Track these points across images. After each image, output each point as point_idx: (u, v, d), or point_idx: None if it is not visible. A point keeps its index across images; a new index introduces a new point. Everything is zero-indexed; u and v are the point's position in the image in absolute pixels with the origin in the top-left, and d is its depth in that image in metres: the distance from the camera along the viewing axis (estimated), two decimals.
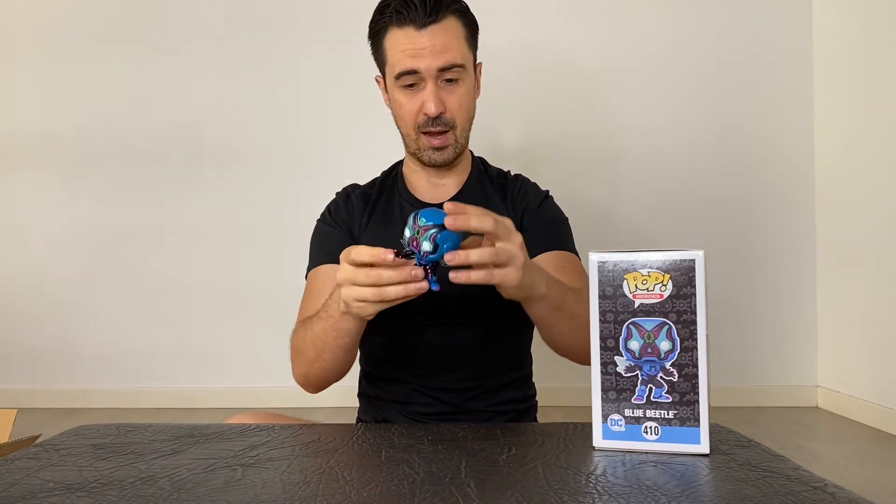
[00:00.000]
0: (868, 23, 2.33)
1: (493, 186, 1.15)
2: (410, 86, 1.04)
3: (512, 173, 1.20)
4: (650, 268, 0.58)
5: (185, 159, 2.68)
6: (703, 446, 0.56)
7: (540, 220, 1.10)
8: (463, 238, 0.73)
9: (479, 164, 1.18)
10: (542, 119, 2.60)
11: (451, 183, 1.14)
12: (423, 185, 1.14)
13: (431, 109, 1.02)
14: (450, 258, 0.70)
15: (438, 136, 1.05)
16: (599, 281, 0.59)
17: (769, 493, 0.48)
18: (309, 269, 1.15)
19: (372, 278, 0.73)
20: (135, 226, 2.68)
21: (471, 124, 1.10)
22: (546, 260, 1.04)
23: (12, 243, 2.71)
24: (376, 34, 1.07)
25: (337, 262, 1.05)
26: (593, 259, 0.59)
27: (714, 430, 0.60)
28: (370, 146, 2.61)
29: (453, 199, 1.12)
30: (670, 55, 2.60)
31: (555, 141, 2.61)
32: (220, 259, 2.67)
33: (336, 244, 1.09)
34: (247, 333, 2.66)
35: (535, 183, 1.18)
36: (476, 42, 1.10)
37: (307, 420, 0.85)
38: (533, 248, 1.04)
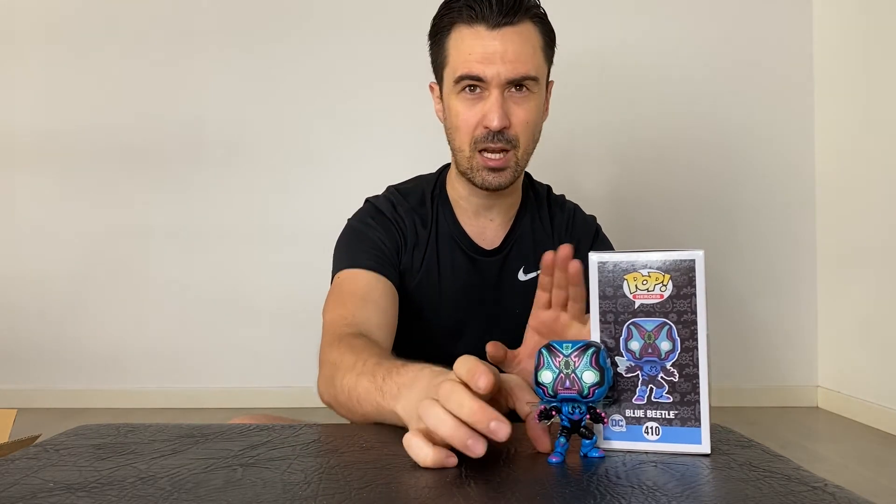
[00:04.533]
0: (868, 23, 2.33)
1: (541, 219, 1.04)
2: (471, 90, 0.90)
3: (554, 192, 1.11)
4: (650, 268, 0.58)
5: (186, 159, 2.68)
6: (705, 446, 0.56)
7: None
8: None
9: (529, 188, 1.07)
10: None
11: (498, 219, 1.02)
12: (469, 217, 1.02)
13: (494, 122, 0.88)
14: None
15: (497, 154, 0.90)
16: (599, 281, 0.59)
17: (769, 493, 0.48)
18: (340, 267, 0.96)
19: (450, 402, 0.50)
20: (135, 225, 2.68)
21: (534, 147, 0.96)
22: None
23: (12, 243, 2.71)
24: (439, 32, 0.94)
25: (381, 269, 0.93)
26: (593, 259, 0.59)
27: (714, 430, 0.60)
28: (373, 146, 2.61)
29: (505, 241, 1.02)
30: (671, 55, 2.60)
31: (555, 141, 2.60)
32: (220, 259, 2.67)
33: (381, 248, 0.96)
34: (247, 333, 2.66)
35: (582, 211, 1.09)
36: (552, 56, 0.97)
37: (307, 420, 0.85)
38: None
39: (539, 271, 0.99)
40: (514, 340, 0.92)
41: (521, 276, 1.01)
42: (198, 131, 2.68)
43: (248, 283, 2.66)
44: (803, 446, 2.04)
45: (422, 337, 1.01)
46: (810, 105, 2.59)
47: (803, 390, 2.56)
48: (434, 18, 0.96)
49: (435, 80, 1.01)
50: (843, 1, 2.45)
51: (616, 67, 2.60)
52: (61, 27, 2.71)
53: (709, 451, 0.56)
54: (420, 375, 0.61)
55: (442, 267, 1.00)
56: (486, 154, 0.91)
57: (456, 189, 1.02)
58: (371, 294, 0.90)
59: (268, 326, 2.62)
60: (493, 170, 0.92)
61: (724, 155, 2.59)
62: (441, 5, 0.94)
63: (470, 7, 0.88)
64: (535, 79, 0.91)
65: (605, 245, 1.08)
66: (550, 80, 0.99)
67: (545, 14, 0.93)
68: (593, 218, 1.11)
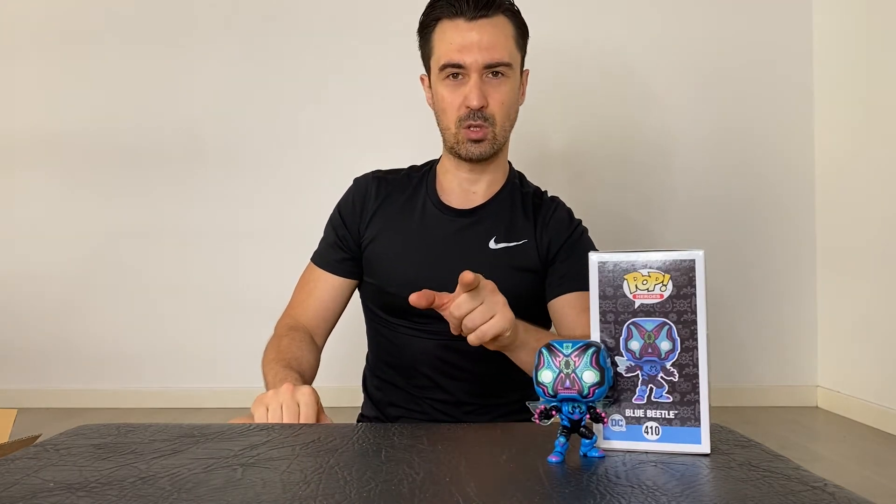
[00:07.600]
0: (868, 23, 2.32)
1: (523, 204, 1.12)
2: (454, 77, 1.03)
3: (549, 194, 1.17)
4: (650, 268, 0.58)
5: (186, 159, 2.68)
6: (704, 446, 0.56)
7: (571, 256, 1.07)
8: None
9: (516, 178, 1.16)
10: (545, 120, 2.60)
11: (481, 191, 1.11)
12: (454, 188, 1.12)
13: (474, 102, 1.00)
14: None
15: (477, 127, 1.03)
16: (599, 281, 0.59)
17: (769, 493, 0.48)
18: (313, 255, 1.17)
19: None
20: (134, 225, 2.68)
21: (511, 125, 1.08)
22: (572, 299, 1.03)
23: (12, 243, 2.70)
24: (426, 27, 1.07)
25: (326, 265, 1.12)
26: (593, 259, 0.59)
27: (714, 430, 0.60)
28: (372, 146, 2.61)
29: (480, 207, 1.10)
30: (671, 55, 2.60)
31: (557, 143, 2.61)
32: (220, 259, 2.67)
33: (338, 245, 1.13)
34: (247, 333, 2.65)
35: (569, 209, 1.15)
36: (525, 46, 1.09)
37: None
38: (561, 285, 1.05)
39: (511, 243, 1.07)
40: None
41: (492, 245, 1.08)
42: (198, 131, 2.68)
43: (248, 283, 2.66)
44: (803, 446, 2.04)
45: (394, 286, 1.07)
46: (810, 105, 2.59)
47: (803, 390, 2.56)
48: (421, 16, 1.08)
49: (425, 72, 1.13)
50: (842, 1, 2.45)
51: (615, 67, 2.60)
52: (61, 27, 2.70)
53: (708, 451, 0.56)
54: (273, 391, 0.90)
55: (402, 212, 1.11)
56: (469, 128, 1.03)
57: (444, 166, 1.14)
58: (315, 288, 1.12)
59: (268, 326, 2.61)
60: (475, 141, 1.04)
61: (724, 155, 2.59)
62: (427, 4, 1.07)
63: (451, 4, 1.01)
64: (508, 64, 1.03)
65: (586, 246, 1.10)
66: (526, 68, 1.10)
67: (517, 10, 1.06)
68: (579, 221, 1.14)
